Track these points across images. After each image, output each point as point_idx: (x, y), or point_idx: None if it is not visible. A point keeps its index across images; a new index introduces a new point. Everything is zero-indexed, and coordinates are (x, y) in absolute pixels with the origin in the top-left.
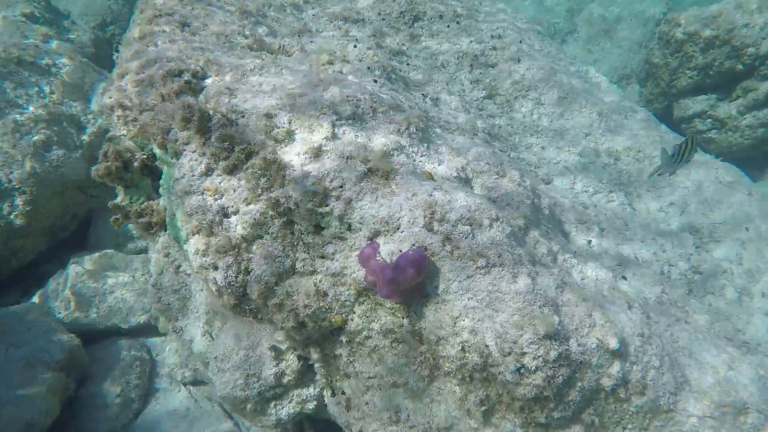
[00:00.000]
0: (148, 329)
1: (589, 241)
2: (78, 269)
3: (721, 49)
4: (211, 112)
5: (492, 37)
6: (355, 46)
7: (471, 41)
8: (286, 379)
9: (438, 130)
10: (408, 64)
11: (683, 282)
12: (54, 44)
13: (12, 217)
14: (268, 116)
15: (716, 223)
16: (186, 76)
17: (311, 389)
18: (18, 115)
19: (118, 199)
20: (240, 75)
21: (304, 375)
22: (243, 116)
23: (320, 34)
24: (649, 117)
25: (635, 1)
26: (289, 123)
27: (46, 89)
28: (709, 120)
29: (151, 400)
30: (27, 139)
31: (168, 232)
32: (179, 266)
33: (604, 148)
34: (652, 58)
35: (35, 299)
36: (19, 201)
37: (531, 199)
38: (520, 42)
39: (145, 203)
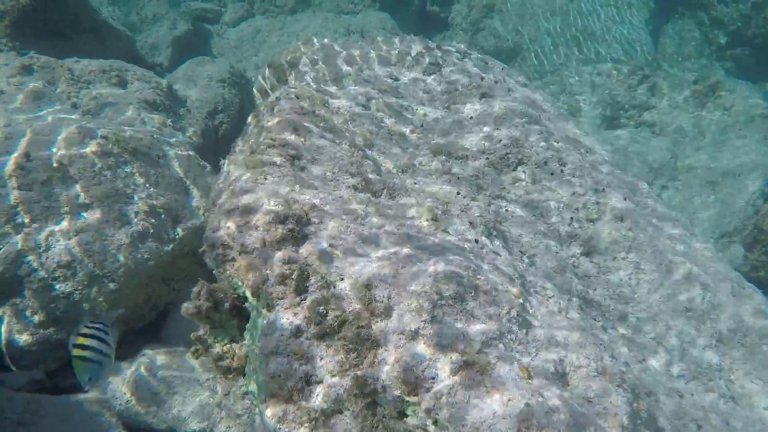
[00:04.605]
0: None
1: None
2: (146, 362)
3: None
4: (310, 270)
5: (596, 191)
6: (458, 193)
7: (573, 192)
8: None
9: (535, 302)
10: (506, 210)
11: None
12: (166, 134)
13: (97, 303)
14: (368, 287)
15: None
16: (290, 224)
17: None
18: (123, 205)
19: (201, 332)
20: (343, 228)
21: None
22: (342, 279)
23: (423, 168)
24: (762, 300)
25: (747, 152)
26: (389, 298)
27: (153, 180)
28: None
29: None
30: (126, 229)
31: (245, 385)
32: (246, 392)
33: (706, 328)
34: (763, 225)
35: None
36: (106, 289)
37: (630, 405)
38: (625, 199)
39: (227, 345)
